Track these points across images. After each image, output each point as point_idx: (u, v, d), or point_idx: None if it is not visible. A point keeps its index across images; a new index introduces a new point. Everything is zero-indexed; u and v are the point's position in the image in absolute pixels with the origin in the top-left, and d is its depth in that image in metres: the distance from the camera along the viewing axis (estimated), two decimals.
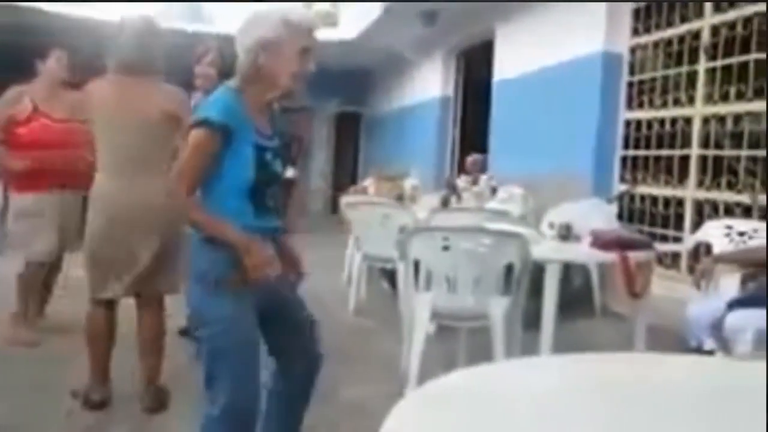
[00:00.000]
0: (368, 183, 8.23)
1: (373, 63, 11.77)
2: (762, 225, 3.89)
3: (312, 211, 12.40)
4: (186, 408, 2.85)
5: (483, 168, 6.65)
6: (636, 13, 5.44)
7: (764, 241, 3.49)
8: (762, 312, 2.49)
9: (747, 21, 4.31)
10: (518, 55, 6.90)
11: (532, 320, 3.36)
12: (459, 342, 3.43)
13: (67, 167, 3.68)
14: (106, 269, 2.83)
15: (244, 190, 1.90)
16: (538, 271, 3.27)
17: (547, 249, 3.30)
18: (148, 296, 2.94)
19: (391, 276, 4.93)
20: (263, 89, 1.96)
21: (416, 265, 3.10)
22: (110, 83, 2.87)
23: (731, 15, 4.45)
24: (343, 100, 13.09)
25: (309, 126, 12.80)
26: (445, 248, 3.04)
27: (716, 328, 2.83)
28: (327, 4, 10.71)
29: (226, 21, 9.49)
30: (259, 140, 1.93)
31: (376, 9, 8.27)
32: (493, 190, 6.14)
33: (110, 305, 2.92)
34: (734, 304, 2.82)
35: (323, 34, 10.35)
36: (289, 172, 10.49)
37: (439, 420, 1.08)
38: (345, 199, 6.46)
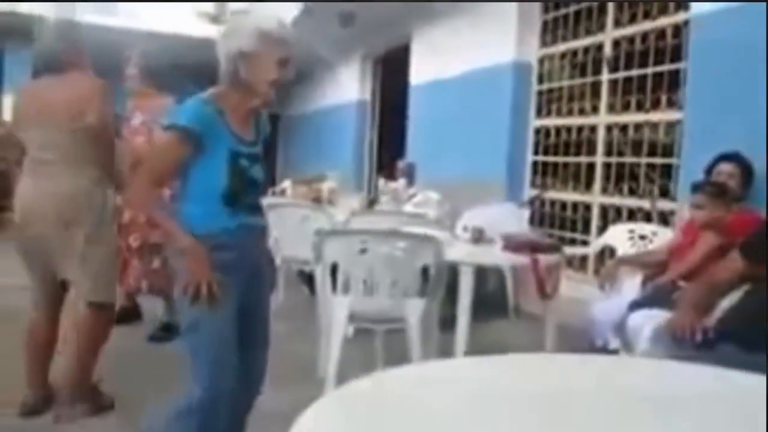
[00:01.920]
0: (286, 185, 8.16)
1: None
2: (660, 229, 4.14)
3: None
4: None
5: (412, 173, 6.72)
6: (545, 25, 5.67)
7: (663, 244, 3.72)
8: (658, 311, 2.65)
9: (644, 36, 4.58)
10: (434, 61, 7.04)
11: (448, 321, 3.44)
12: (377, 344, 3.47)
13: None
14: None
15: (218, 195, 1.95)
16: (454, 274, 3.36)
17: (460, 252, 3.38)
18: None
19: (309, 279, 4.91)
20: (244, 97, 2.02)
21: (334, 268, 3.12)
22: (30, 85, 2.88)
23: (630, 30, 4.71)
24: None
25: None
26: (362, 251, 3.07)
27: (619, 327, 3.00)
28: (244, 3, 10.54)
29: (137, 15, 9.22)
30: (237, 146, 1.98)
31: (294, 9, 8.22)
32: (411, 196, 6.23)
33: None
34: (635, 305, 3.00)
35: None
36: None
37: (354, 421, 1.10)
38: (263, 201, 6.37)
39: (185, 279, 1.91)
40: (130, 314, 4.24)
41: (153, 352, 3.83)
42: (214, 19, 10.37)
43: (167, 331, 3.99)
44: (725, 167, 3.31)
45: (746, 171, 3.30)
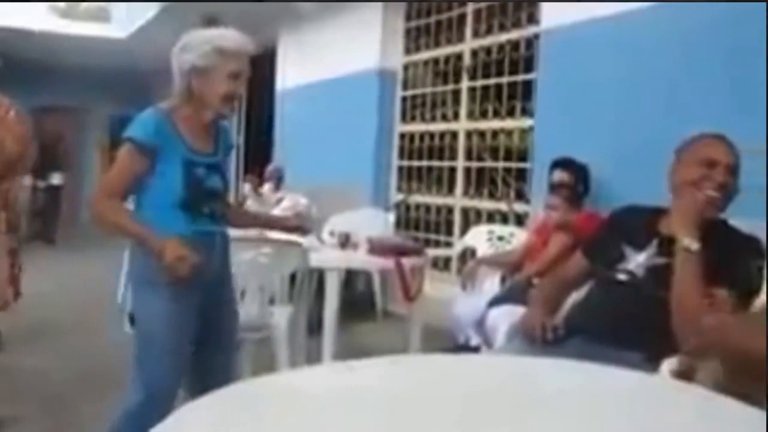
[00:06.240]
0: None
1: (150, 64, 11.14)
2: (517, 230, 4.37)
3: (83, 222, 11.39)
4: None
5: (280, 178, 6.60)
6: (408, 33, 5.82)
7: (519, 244, 3.92)
8: (515, 308, 2.79)
9: (500, 47, 4.82)
10: (301, 65, 7.02)
11: (316, 326, 3.44)
12: (244, 353, 3.38)
13: None
14: None
15: (172, 202, 2.00)
16: (321, 278, 3.36)
17: (326, 257, 3.39)
18: None
19: None
20: (197, 110, 2.06)
21: None
22: None
23: (488, 41, 4.94)
24: (121, 102, 12.22)
25: (76, 127, 11.81)
26: None
27: (479, 324, 3.12)
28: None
29: None
30: (191, 156, 2.03)
31: (153, 7, 7.87)
32: (278, 200, 6.15)
33: None
34: (493, 302, 3.14)
35: (93, 30, 9.65)
36: (56, 179, 9.58)
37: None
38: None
39: (166, 266, 1.90)
40: None
41: None
42: (65, 13, 9.74)
43: None
44: (558, 174, 3.54)
45: (580, 175, 3.54)
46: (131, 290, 2.09)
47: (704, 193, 1.90)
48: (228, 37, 2.05)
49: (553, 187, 3.46)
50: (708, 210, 1.91)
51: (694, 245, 1.83)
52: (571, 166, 3.54)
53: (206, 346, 2.13)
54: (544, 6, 4.23)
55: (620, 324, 1.92)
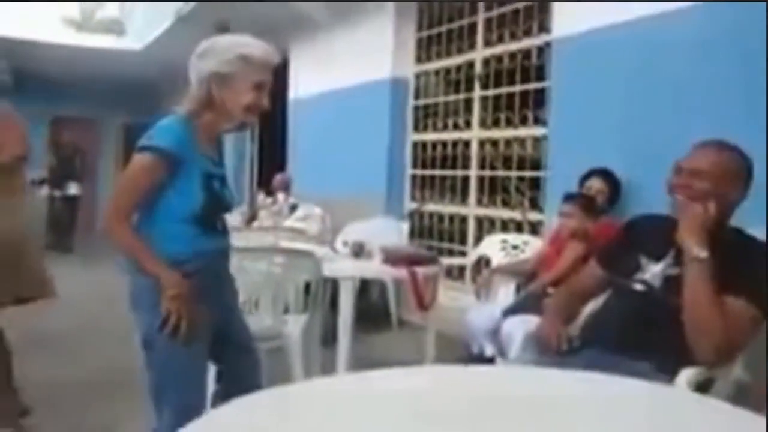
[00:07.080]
0: None
1: (165, 75, 11.26)
2: (531, 238, 4.35)
3: (100, 231, 11.49)
4: None
5: (289, 186, 6.66)
6: (419, 42, 5.84)
7: (534, 253, 3.91)
8: (530, 317, 2.77)
9: (512, 56, 4.82)
10: (313, 75, 7.05)
11: (331, 336, 3.44)
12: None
13: None
14: None
15: (191, 217, 1.91)
16: (336, 288, 3.37)
17: (339, 266, 3.40)
18: None
19: None
20: (216, 119, 1.97)
21: None
22: None
23: (499, 49, 4.94)
24: (134, 112, 12.35)
25: (92, 138, 11.93)
26: (241, 269, 3.00)
27: (494, 334, 3.10)
28: (114, 10, 10.12)
29: None
30: (209, 168, 1.95)
31: (167, 19, 7.95)
32: (292, 209, 6.18)
33: None
34: (508, 312, 3.12)
35: (109, 42, 9.76)
36: (72, 189, 9.68)
37: None
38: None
39: (164, 313, 1.83)
40: None
41: None
42: (81, 27, 9.87)
43: None
44: (596, 183, 3.53)
45: (614, 186, 3.54)
46: (135, 313, 1.94)
47: (672, 196, 1.94)
48: (253, 45, 1.97)
49: (578, 195, 3.45)
50: (689, 213, 1.90)
51: (703, 253, 1.82)
52: (608, 175, 3.53)
53: (228, 353, 2.10)
54: (556, 14, 4.23)
55: (636, 334, 1.91)
